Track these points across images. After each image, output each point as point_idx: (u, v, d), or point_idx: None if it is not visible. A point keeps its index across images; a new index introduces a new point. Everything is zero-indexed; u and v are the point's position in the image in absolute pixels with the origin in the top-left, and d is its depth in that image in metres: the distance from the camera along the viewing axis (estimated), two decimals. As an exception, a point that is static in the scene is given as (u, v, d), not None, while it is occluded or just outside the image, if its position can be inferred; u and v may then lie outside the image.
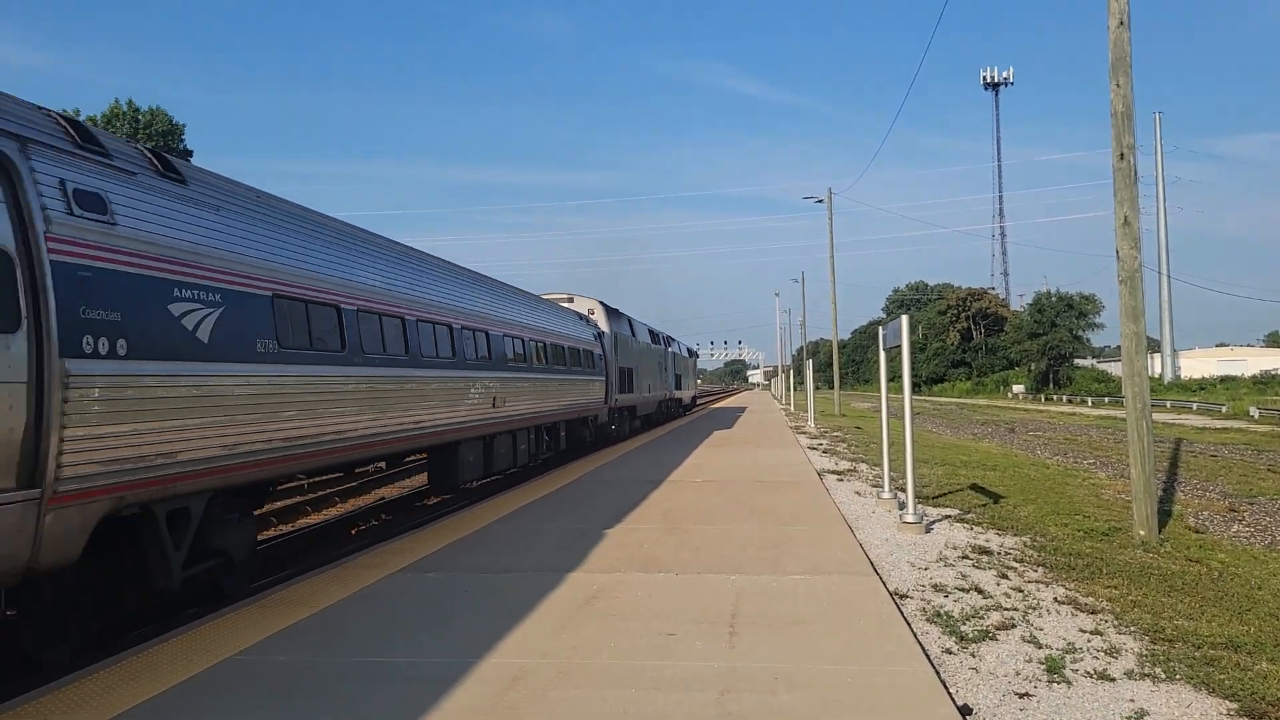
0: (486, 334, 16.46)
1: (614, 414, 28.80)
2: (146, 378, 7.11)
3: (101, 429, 6.59)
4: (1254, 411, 43.89)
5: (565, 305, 26.41)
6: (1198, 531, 11.87)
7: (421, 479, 19.92)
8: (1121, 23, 11.49)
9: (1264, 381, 73.97)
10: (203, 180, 8.97)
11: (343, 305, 10.73)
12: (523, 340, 18.83)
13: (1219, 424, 39.02)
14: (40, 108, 7.15)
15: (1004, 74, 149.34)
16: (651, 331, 39.63)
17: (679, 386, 46.53)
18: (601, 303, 29.62)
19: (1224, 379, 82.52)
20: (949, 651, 6.19)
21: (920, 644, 6.07)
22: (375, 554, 9.53)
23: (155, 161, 8.23)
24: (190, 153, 68.97)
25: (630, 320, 34.53)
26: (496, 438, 16.87)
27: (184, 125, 69.13)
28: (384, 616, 6.89)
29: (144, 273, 7.28)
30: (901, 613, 6.90)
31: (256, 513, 9.85)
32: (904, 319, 11.11)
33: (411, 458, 16.87)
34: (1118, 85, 11.47)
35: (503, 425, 17.03)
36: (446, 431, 13.94)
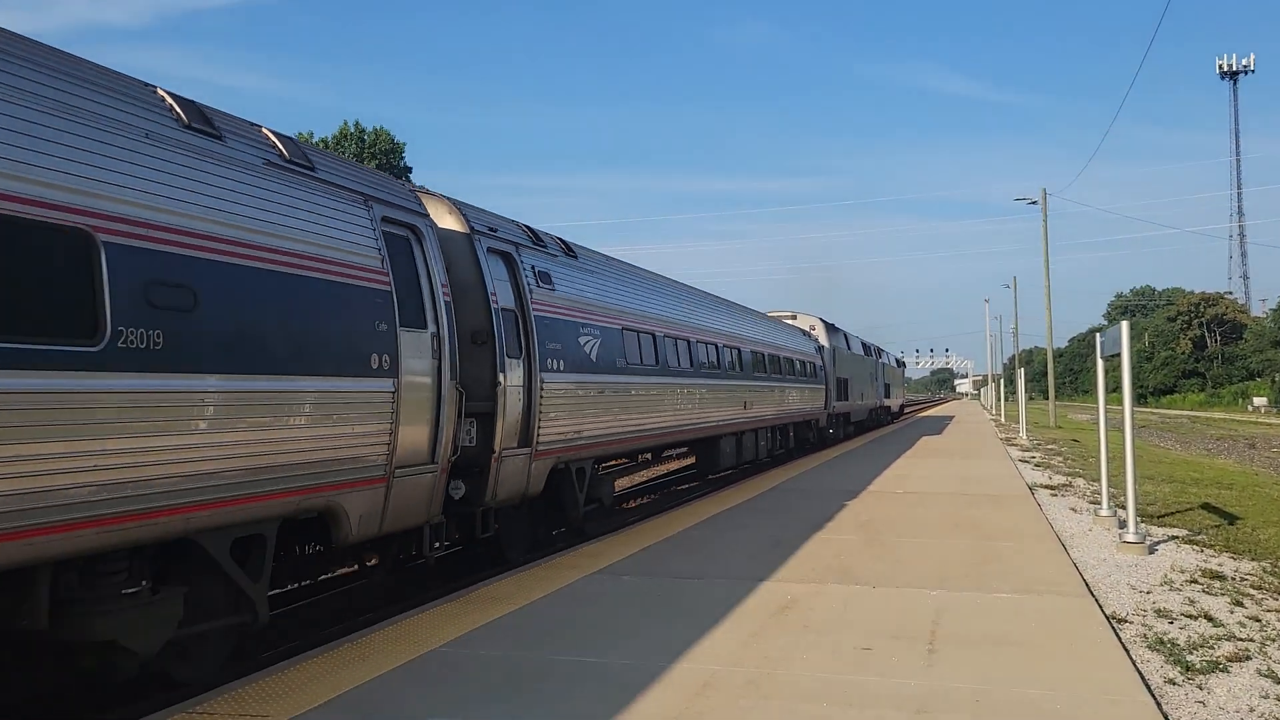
0: (739, 350, 20.23)
1: (832, 419, 31.85)
2: (571, 385, 11.30)
3: (552, 414, 10.70)
4: None
5: (789, 322, 29.49)
6: None
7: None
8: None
9: None
10: (584, 254, 13.46)
11: (656, 333, 14.89)
12: (764, 355, 22.41)
13: None
14: (515, 222, 11.55)
15: (1244, 61, 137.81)
16: (864, 344, 42.75)
17: (888, 395, 49.25)
18: (821, 319, 32.38)
19: None
20: (1172, 682, 5.71)
21: (1139, 672, 5.64)
22: (573, 555, 9.77)
23: (564, 246, 12.74)
24: (410, 169, 73.22)
25: (845, 334, 37.06)
26: (744, 434, 20.58)
27: (404, 144, 73.32)
28: (580, 617, 7.03)
29: (567, 318, 11.54)
30: (1119, 638, 6.44)
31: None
32: (1124, 325, 10.41)
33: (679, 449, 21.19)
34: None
35: (750, 425, 20.93)
36: (718, 427, 18.21)
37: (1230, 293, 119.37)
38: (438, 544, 8.92)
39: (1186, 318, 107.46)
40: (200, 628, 6.31)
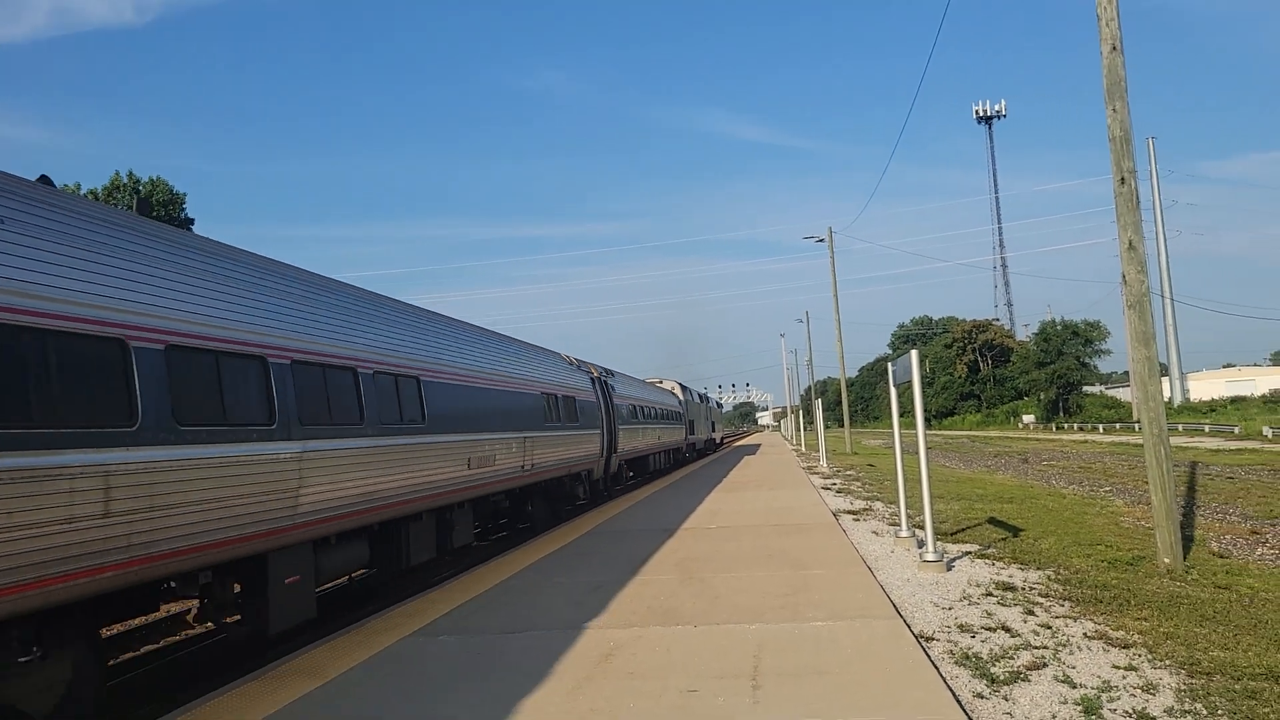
0: (652, 409, 35.16)
1: (689, 447, 48.45)
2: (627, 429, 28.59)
3: (620, 440, 27.05)
4: (1268, 431, 43.53)
5: (658, 385, 44.04)
6: (1222, 556, 11.63)
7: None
8: (1114, 48, 11.49)
9: (1274, 400, 73.47)
10: (613, 373, 29.20)
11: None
12: (645, 409, 33.20)
13: (1233, 445, 38.69)
14: (585, 363, 25.82)
15: (996, 107, 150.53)
16: (700, 395, 59.77)
17: (713, 430, 66.80)
18: (678, 382, 48.26)
19: (1234, 399, 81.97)
20: (981, 696, 5.98)
21: (950, 689, 5.87)
22: (386, 617, 9.34)
23: (605, 369, 27.51)
24: (192, 221, 69.54)
25: (691, 389, 53.25)
26: (658, 454, 37.15)
27: (185, 195, 69.71)
28: (397, 684, 6.69)
29: (626, 404, 28.63)
30: (929, 656, 6.70)
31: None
32: (913, 354, 10.98)
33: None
34: (1114, 110, 11.44)
35: (658, 448, 36.25)
36: (652, 447, 34.95)
37: (997, 319, 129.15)
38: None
39: (961, 344, 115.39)
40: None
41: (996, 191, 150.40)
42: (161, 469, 6.93)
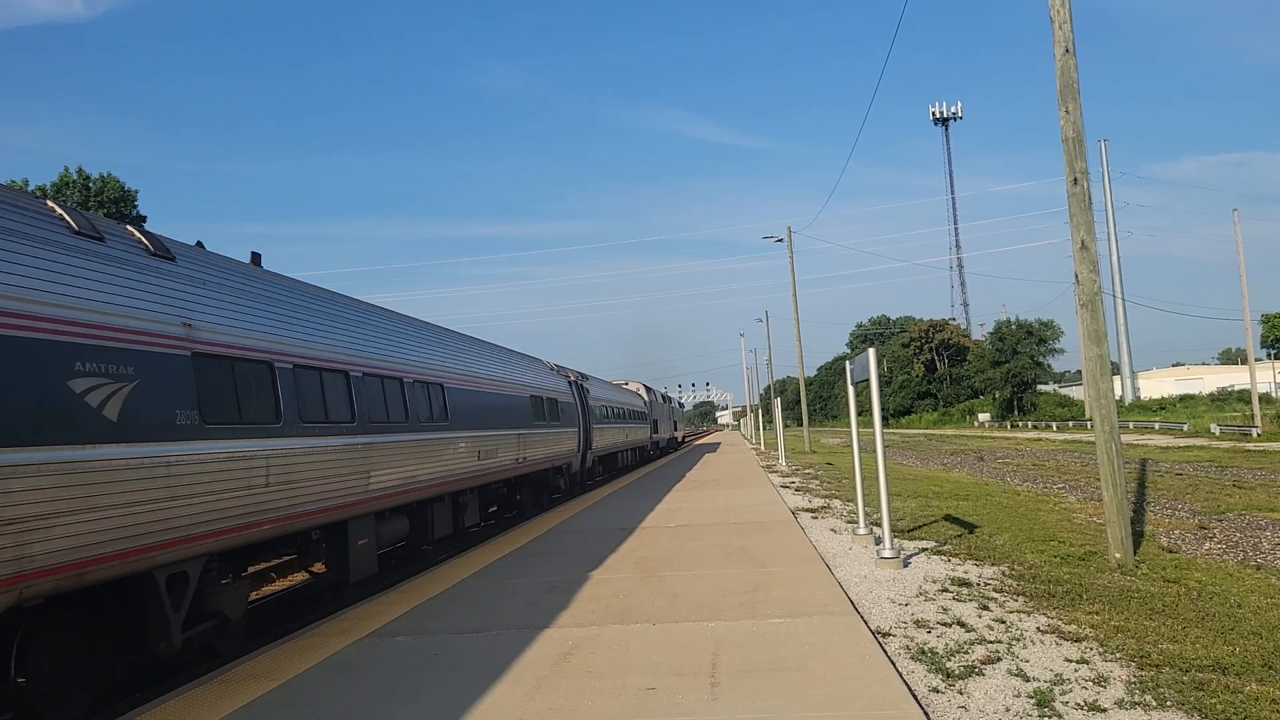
0: (622, 410, 38.57)
1: (654, 445, 52.18)
2: (600, 428, 31.85)
3: (594, 438, 29.76)
4: (1215, 429, 44.45)
5: (625, 387, 45.82)
6: (1171, 551, 11.85)
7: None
8: (1067, 50, 11.65)
9: (1221, 399, 75.13)
10: (587, 377, 32.56)
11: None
12: (615, 410, 36.52)
13: (1182, 442, 39.45)
14: (564, 368, 28.81)
15: (952, 109, 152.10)
16: (663, 395, 64.53)
17: (676, 428, 71.85)
18: (643, 384, 51.04)
19: (1183, 398, 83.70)
20: (936, 690, 6.03)
21: (906, 684, 5.91)
22: (342, 619, 9.24)
23: (580, 374, 30.34)
24: (144, 218, 68.42)
25: (655, 390, 56.92)
26: (626, 451, 40.57)
27: (137, 191, 68.53)
28: (349, 688, 6.61)
29: (599, 405, 31.95)
30: (885, 652, 6.75)
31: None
32: (871, 352, 11.06)
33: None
34: (1067, 111, 11.60)
35: (621, 448, 38.31)
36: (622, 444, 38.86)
37: (954, 319, 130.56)
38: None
39: (918, 343, 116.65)
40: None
41: (953, 192, 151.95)
42: (295, 453, 9.58)
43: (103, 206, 64.84)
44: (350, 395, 11.24)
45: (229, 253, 10.65)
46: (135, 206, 68.75)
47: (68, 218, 7.32)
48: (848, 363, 12.89)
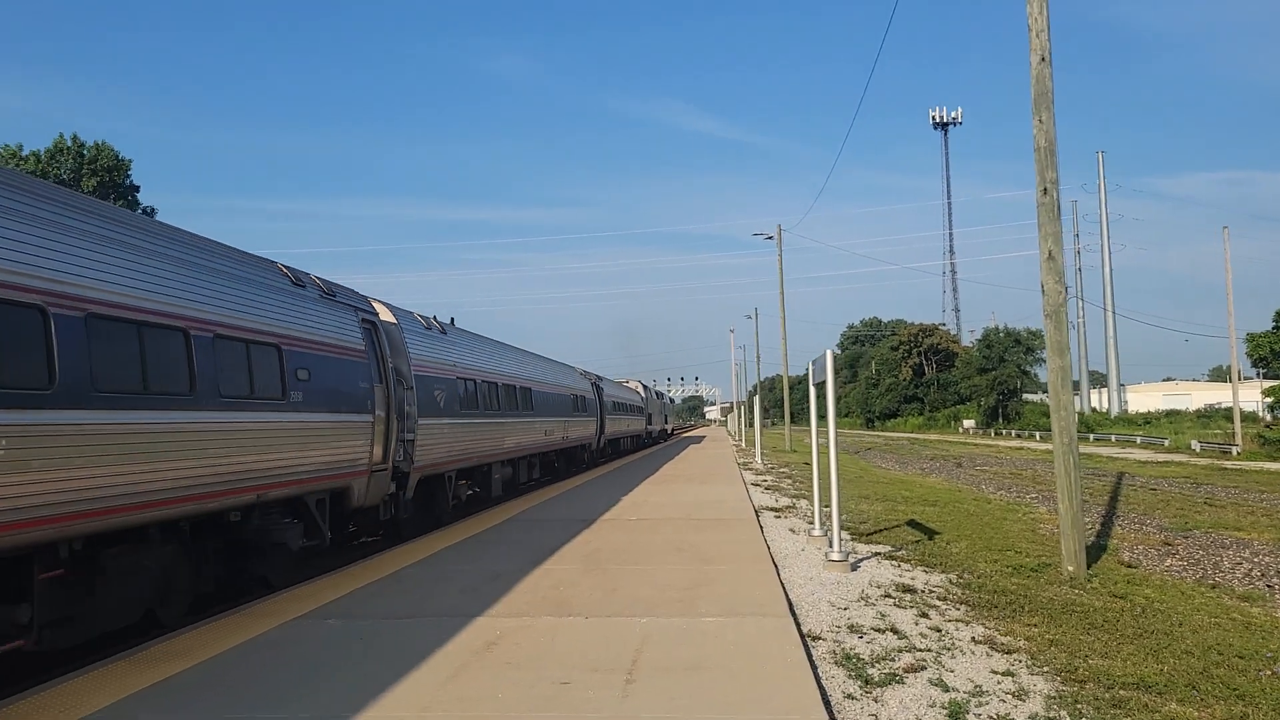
0: (621, 404, 45.25)
1: (648, 434, 61.30)
2: (610, 418, 41.72)
3: (606, 425, 40.19)
4: (1195, 445, 44.50)
5: (626, 384, 55.53)
6: (1130, 566, 11.81)
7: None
8: (1043, 59, 11.55)
9: (1207, 415, 75.25)
10: (602, 379, 41.52)
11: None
12: (621, 404, 44.80)
13: (1161, 457, 39.48)
14: (589, 372, 38.46)
15: (953, 114, 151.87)
16: (657, 392, 76.35)
17: (666, 421, 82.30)
18: (641, 382, 62.32)
19: (1169, 413, 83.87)
20: (851, 697, 5.95)
21: (822, 690, 5.83)
22: (278, 600, 9.14)
23: (597, 376, 40.10)
24: (137, 188, 68.07)
25: (650, 388, 68.79)
26: (625, 439, 47.13)
27: (130, 160, 68.03)
28: (269, 668, 6.52)
29: (610, 400, 41.63)
30: (810, 656, 6.67)
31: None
32: (828, 353, 10.97)
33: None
34: (1040, 121, 11.51)
35: (624, 435, 45.82)
36: (620, 434, 45.99)
37: (944, 324, 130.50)
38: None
39: (907, 347, 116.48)
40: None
41: (949, 197, 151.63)
42: (481, 425, 18.80)
43: (95, 175, 64.48)
44: (497, 395, 20.69)
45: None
46: (128, 175, 68.37)
47: (286, 273, 11.70)
48: (810, 363, 12.81)
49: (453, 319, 19.52)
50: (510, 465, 22.14)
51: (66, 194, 8.14)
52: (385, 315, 14.85)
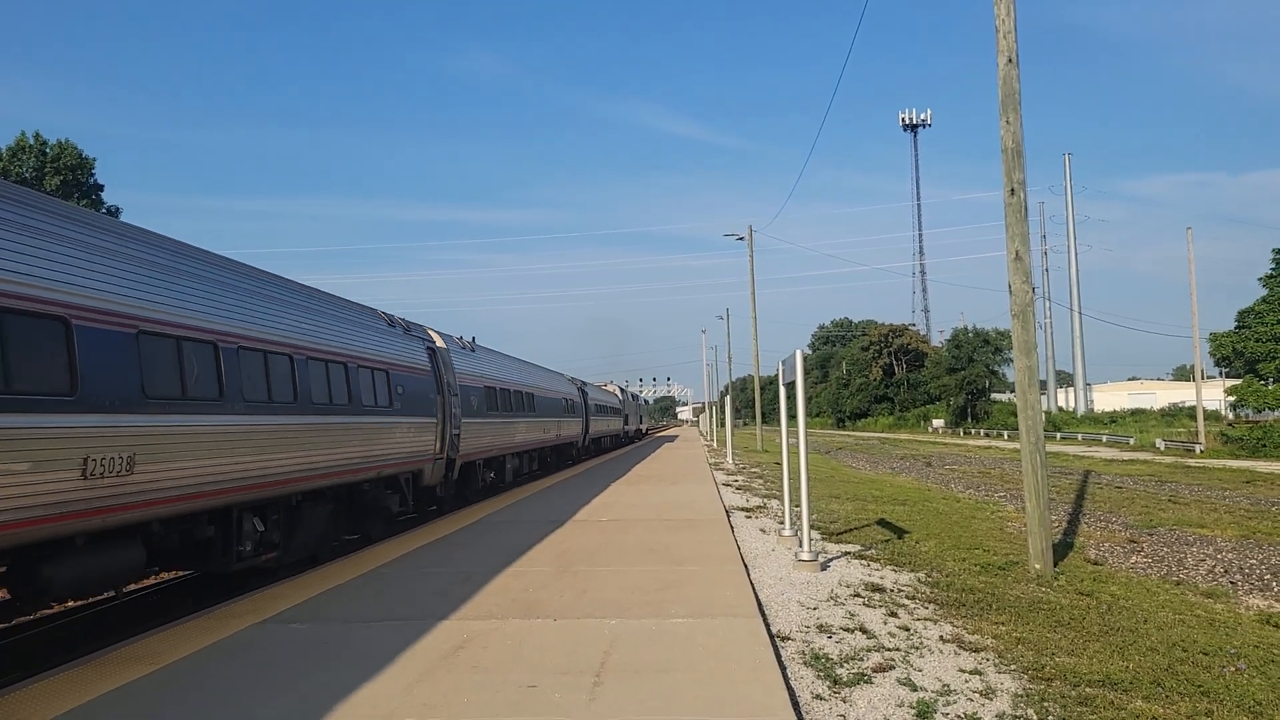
0: (602, 405, 49.61)
1: (624, 433, 64.06)
2: (593, 419, 45.96)
3: (591, 425, 44.24)
4: (1160, 443, 45.06)
5: (606, 388, 59.46)
6: (1096, 564, 11.90)
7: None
8: (1010, 60, 11.62)
9: (1172, 414, 76.21)
10: (587, 383, 47.47)
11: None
12: (602, 406, 48.52)
13: (1127, 456, 39.93)
14: (576, 378, 45.07)
15: (922, 115, 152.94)
16: (633, 394, 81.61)
17: (642, 421, 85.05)
18: (618, 385, 67.48)
19: (1134, 412, 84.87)
20: (819, 697, 5.94)
21: (790, 690, 5.82)
22: (245, 601, 9.02)
23: (583, 381, 46.15)
24: (101, 187, 67.14)
25: (627, 390, 73.55)
26: (605, 438, 51.52)
27: (94, 159, 67.12)
28: (232, 673, 6.42)
29: (593, 402, 45.79)
30: (778, 656, 6.66)
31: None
32: (797, 353, 10.98)
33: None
34: (1008, 122, 11.58)
35: (604, 434, 49.86)
36: (599, 435, 49.12)
37: (914, 324, 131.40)
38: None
39: (877, 347, 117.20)
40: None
41: (919, 199, 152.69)
42: (494, 426, 22.50)
43: (59, 174, 63.59)
44: (524, 401, 26.06)
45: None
46: (92, 174, 67.45)
47: (383, 317, 16.16)
48: (780, 363, 12.81)
49: (474, 338, 24.46)
50: (518, 457, 26.65)
51: (296, 287, 13.45)
52: (437, 340, 19.22)
